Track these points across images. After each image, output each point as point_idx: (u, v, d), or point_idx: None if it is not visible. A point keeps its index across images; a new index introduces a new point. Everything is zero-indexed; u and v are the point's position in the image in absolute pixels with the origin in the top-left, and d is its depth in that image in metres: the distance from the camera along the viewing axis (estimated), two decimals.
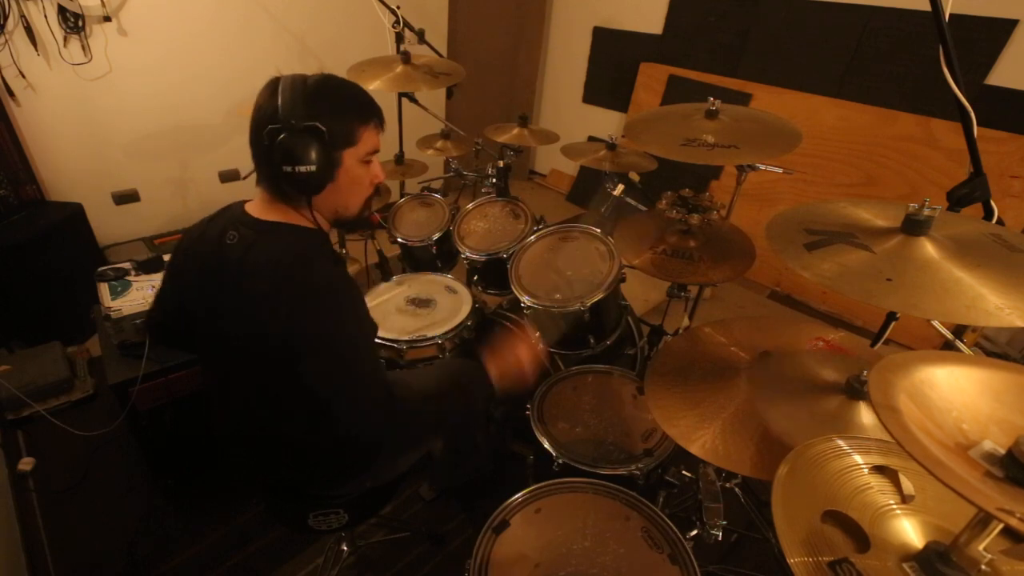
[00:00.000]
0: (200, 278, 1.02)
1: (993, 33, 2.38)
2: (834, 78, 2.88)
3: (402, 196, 2.22)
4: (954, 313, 0.75)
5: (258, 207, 1.01)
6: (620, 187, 1.87)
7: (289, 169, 0.92)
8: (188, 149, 2.92)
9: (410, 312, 1.77)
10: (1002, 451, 0.54)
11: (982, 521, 0.55)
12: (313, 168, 0.93)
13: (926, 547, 0.62)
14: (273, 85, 0.94)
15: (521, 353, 1.33)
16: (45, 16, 2.28)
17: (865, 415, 0.95)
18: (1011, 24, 2.34)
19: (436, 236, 1.97)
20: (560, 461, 1.30)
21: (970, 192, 1.01)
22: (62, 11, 2.30)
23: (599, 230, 1.71)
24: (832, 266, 0.84)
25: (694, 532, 1.17)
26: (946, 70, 0.96)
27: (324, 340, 0.94)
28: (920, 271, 0.81)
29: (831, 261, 0.85)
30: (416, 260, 2.11)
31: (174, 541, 1.69)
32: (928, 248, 0.84)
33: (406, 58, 2.01)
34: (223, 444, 1.25)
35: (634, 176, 1.90)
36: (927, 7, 0.94)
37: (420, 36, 2.22)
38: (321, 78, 0.97)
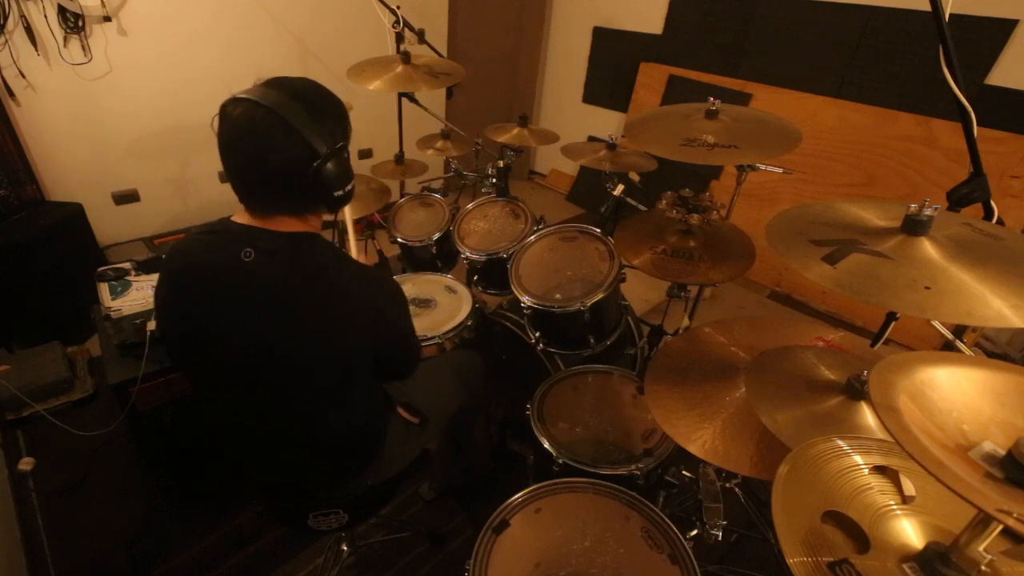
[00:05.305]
0: (218, 298, 0.95)
1: (993, 33, 2.38)
2: (834, 78, 2.88)
3: (402, 196, 2.22)
4: (1002, 316, 0.72)
5: (260, 219, 0.95)
6: (620, 187, 1.87)
7: (340, 192, 0.95)
8: (188, 149, 2.92)
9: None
10: (1002, 452, 0.54)
11: (982, 522, 0.55)
12: (352, 181, 0.97)
13: (926, 548, 0.62)
14: (264, 115, 0.85)
15: None
16: (45, 16, 2.28)
17: (865, 415, 0.94)
18: (1011, 24, 2.34)
19: (436, 236, 1.97)
20: (560, 461, 1.30)
21: (970, 192, 1.01)
22: (62, 11, 2.30)
23: (599, 230, 1.70)
24: (865, 279, 0.80)
25: (694, 532, 1.17)
26: (946, 70, 0.96)
27: (399, 308, 1.09)
28: (944, 274, 0.78)
29: (861, 273, 0.81)
30: (416, 260, 2.10)
31: (174, 541, 1.69)
32: (932, 248, 0.83)
33: (406, 58, 2.01)
34: (221, 447, 1.24)
35: (634, 176, 1.89)
36: (927, 7, 0.95)
37: (420, 36, 2.22)
38: (306, 90, 0.92)
